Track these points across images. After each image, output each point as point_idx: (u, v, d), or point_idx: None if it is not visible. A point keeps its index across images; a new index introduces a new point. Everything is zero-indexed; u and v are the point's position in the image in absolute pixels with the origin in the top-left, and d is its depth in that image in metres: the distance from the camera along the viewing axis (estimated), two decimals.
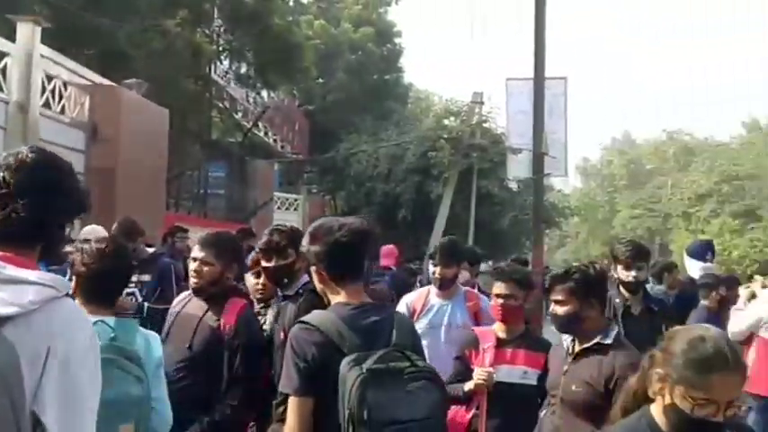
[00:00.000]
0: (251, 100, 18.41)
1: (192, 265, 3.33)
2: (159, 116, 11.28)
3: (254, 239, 8.46)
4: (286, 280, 3.51)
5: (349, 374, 2.23)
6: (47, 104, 9.03)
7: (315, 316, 2.41)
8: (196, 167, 14.72)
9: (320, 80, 21.08)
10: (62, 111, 9.42)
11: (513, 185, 21.37)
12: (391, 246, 8.35)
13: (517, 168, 13.14)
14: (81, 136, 9.75)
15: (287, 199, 20.82)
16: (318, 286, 2.52)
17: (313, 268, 2.51)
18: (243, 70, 16.25)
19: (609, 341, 2.96)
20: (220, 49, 14.92)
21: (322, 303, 2.56)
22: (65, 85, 9.48)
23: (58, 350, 1.70)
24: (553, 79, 12.56)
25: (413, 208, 20.84)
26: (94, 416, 1.83)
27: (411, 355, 2.37)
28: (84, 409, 1.80)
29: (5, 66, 8.32)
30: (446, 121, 22.48)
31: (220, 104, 17.18)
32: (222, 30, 14.68)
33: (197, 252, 3.33)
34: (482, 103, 20.20)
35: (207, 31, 14.39)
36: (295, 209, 20.87)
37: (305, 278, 3.49)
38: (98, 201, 9.48)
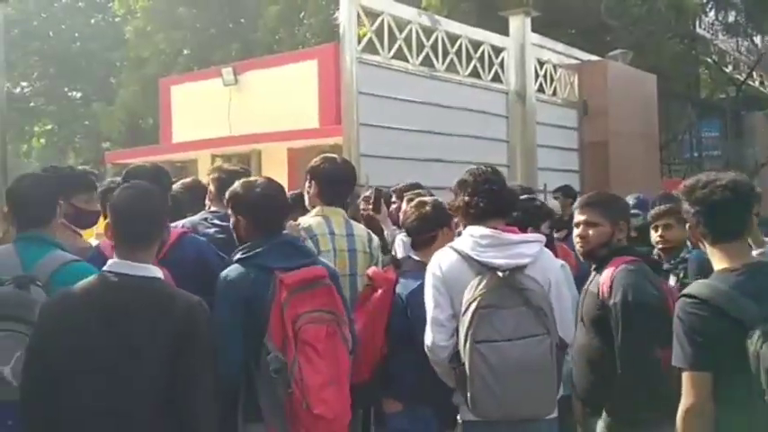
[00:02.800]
0: (742, 50, 16.77)
1: (577, 231, 3.21)
2: (647, 83, 11.10)
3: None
4: None
5: (762, 351, 2.07)
6: (540, 89, 9.64)
7: (699, 287, 2.26)
8: (687, 130, 14.07)
9: None
10: (554, 92, 9.97)
11: None
12: None
13: None
14: (573, 114, 10.18)
15: None
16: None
17: (689, 229, 2.42)
18: (731, 19, 14.91)
19: None
20: (704, 0, 13.94)
21: None
22: (554, 67, 10.00)
23: (552, 280, 2.91)
24: None
25: None
26: None
27: None
28: None
29: (503, 59, 9.13)
30: None
31: (708, 60, 16.07)
32: None
33: (579, 216, 3.21)
34: None
35: None
36: None
37: None
38: (592, 174, 9.80)
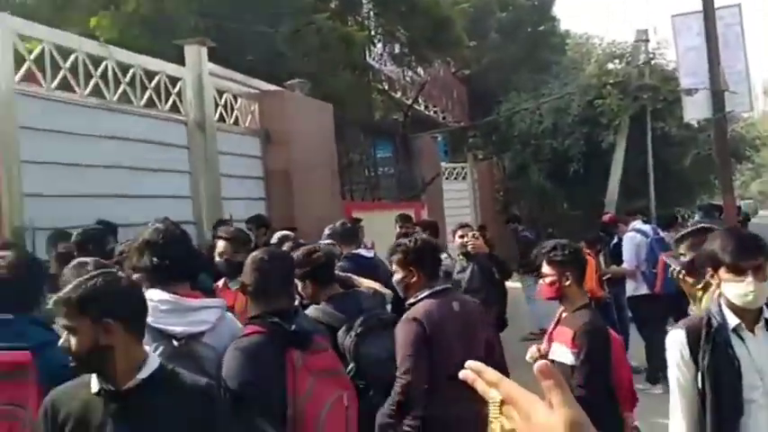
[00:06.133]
0: (408, 78, 18.53)
1: None
2: (324, 111, 11.67)
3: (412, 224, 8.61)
4: None
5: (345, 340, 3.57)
6: (221, 118, 9.62)
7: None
8: (363, 152, 15.10)
9: (473, 44, 20.72)
10: (236, 122, 10.01)
11: (693, 122, 19.94)
12: None
13: (694, 109, 12.25)
14: (256, 142, 10.32)
15: (454, 168, 20.83)
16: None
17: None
18: (396, 50, 16.36)
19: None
20: (372, 33, 15.09)
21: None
22: (235, 97, 10.05)
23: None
24: (725, 8, 11.52)
25: (584, 161, 20.11)
26: None
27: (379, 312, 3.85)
28: None
29: (180, 89, 8.95)
30: (610, 66, 21.35)
31: (379, 86, 17.43)
32: (372, 14, 14.85)
33: None
34: (647, 40, 18.99)
35: (357, 18, 14.60)
36: (463, 177, 20.84)
37: None
38: (278, 201, 10.02)
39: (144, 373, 2.22)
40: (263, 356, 2.80)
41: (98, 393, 2.20)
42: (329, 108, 11.79)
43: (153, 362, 2.26)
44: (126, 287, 2.28)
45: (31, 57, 6.85)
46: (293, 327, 2.89)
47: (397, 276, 3.74)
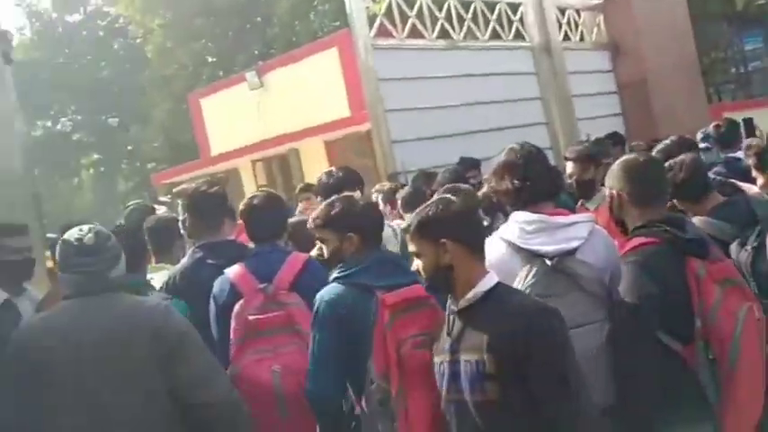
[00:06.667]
0: None
1: None
2: (676, 8, 10.59)
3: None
4: None
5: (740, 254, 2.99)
6: (566, 37, 9.29)
7: None
8: (728, 47, 13.43)
9: None
10: (581, 38, 9.59)
11: None
12: None
13: None
14: (605, 56, 9.79)
15: None
16: None
17: None
18: None
19: None
20: None
21: None
22: (577, 12, 9.62)
23: (610, 260, 2.68)
24: None
25: None
26: None
27: None
28: None
29: (521, 15, 8.81)
30: None
31: None
32: None
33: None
34: None
35: None
36: None
37: None
38: (635, 116, 9.42)
39: (476, 291, 2.26)
40: (662, 267, 2.55)
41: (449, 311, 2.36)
42: (683, 3, 10.67)
43: (489, 281, 2.28)
44: (458, 209, 2.34)
45: (381, 11, 7.31)
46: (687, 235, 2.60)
47: (759, 182, 3.05)
